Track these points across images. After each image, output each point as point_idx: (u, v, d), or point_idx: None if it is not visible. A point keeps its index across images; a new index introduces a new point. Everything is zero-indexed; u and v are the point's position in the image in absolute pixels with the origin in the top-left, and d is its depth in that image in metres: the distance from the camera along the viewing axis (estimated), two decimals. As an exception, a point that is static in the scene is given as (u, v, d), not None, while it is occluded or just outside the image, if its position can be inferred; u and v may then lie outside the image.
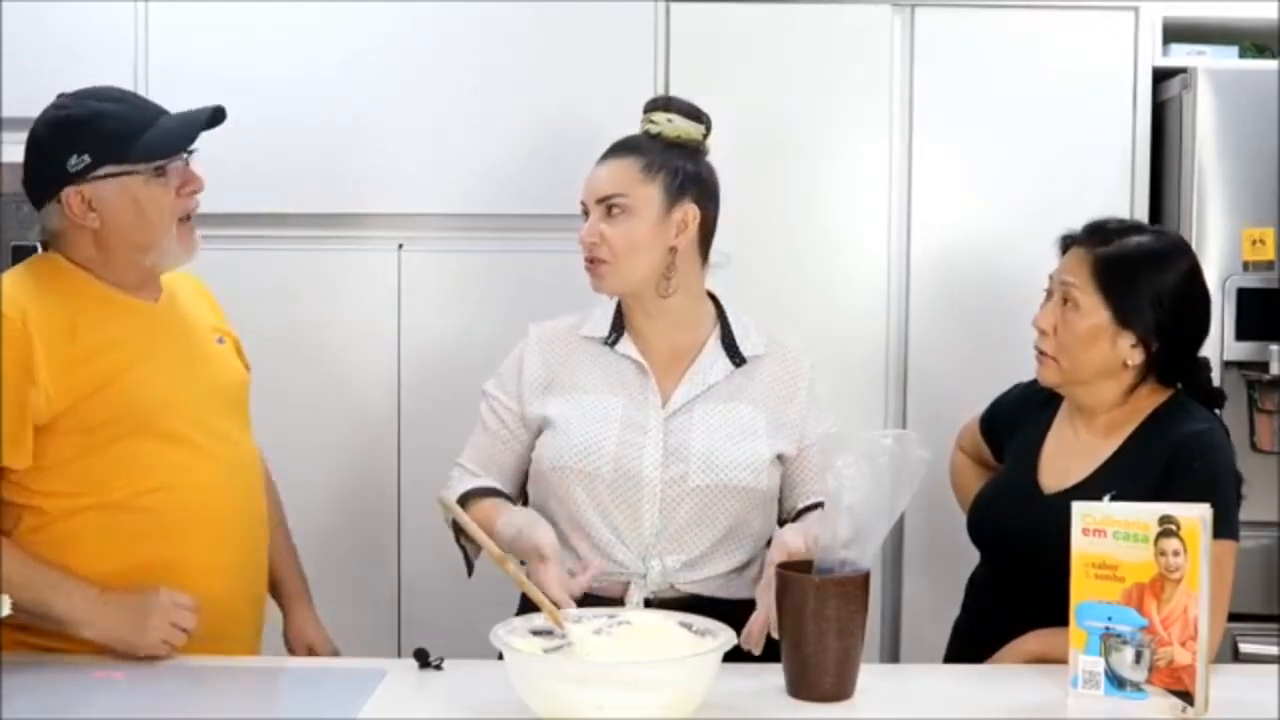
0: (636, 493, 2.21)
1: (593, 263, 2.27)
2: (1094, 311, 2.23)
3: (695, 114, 2.31)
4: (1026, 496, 2.29)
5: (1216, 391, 2.32)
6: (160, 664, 2.08)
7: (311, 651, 2.38)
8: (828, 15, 3.11)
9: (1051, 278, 2.31)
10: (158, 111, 2.19)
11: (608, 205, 2.25)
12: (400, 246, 3.13)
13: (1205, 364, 2.31)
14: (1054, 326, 2.26)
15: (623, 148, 2.30)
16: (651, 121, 2.29)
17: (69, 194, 2.12)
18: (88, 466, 2.10)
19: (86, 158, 2.10)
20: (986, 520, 2.36)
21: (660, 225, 2.25)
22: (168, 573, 2.11)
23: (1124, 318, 2.22)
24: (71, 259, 2.17)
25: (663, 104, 2.32)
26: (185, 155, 2.19)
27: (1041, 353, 2.28)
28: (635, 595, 2.20)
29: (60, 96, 2.19)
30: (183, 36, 3.06)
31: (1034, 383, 2.40)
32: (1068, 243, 2.32)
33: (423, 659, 2.06)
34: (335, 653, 2.39)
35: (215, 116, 2.19)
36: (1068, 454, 2.30)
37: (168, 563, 2.12)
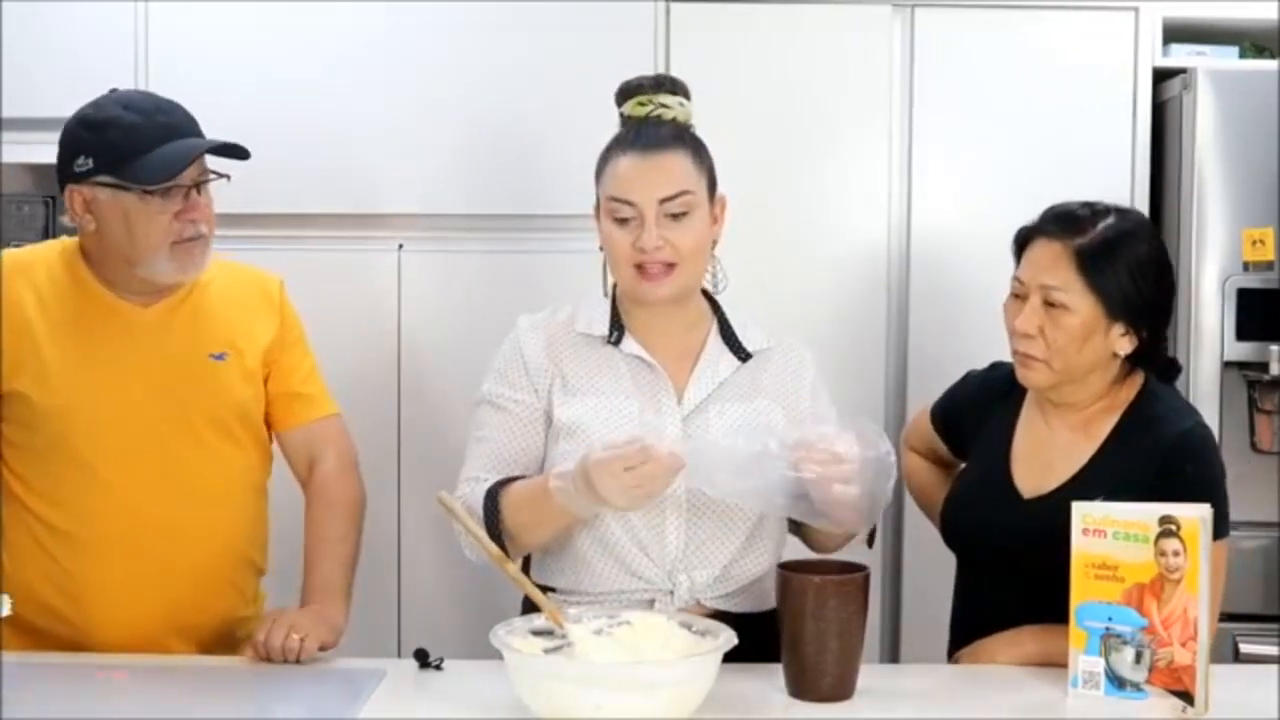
0: (660, 503, 2.06)
1: (656, 269, 2.09)
2: (1083, 308, 2.10)
3: (688, 93, 2.20)
4: (1004, 499, 2.19)
5: (1173, 361, 2.24)
6: (160, 664, 2.08)
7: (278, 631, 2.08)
8: (827, 15, 3.11)
9: (1019, 279, 2.17)
10: (170, 131, 2.11)
11: (671, 203, 2.08)
12: (401, 247, 3.13)
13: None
14: (1039, 329, 2.12)
15: (665, 139, 2.11)
16: (665, 106, 2.14)
17: (71, 192, 2.12)
18: (23, 459, 2.16)
19: (90, 162, 2.09)
20: (962, 524, 2.26)
21: (708, 219, 2.13)
22: (67, 586, 2.14)
23: (1114, 309, 2.11)
24: (82, 248, 2.18)
25: (668, 85, 2.17)
26: (194, 182, 2.12)
27: (1028, 356, 2.14)
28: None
29: (109, 92, 2.16)
30: (183, 37, 3.06)
31: (990, 370, 2.34)
32: (1028, 235, 2.18)
33: (423, 659, 2.06)
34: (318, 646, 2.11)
35: (234, 151, 2.13)
36: (1044, 452, 2.20)
37: (70, 575, 2.15)
